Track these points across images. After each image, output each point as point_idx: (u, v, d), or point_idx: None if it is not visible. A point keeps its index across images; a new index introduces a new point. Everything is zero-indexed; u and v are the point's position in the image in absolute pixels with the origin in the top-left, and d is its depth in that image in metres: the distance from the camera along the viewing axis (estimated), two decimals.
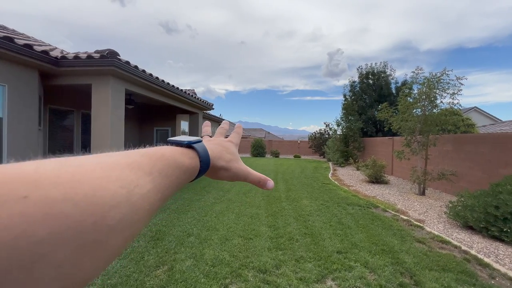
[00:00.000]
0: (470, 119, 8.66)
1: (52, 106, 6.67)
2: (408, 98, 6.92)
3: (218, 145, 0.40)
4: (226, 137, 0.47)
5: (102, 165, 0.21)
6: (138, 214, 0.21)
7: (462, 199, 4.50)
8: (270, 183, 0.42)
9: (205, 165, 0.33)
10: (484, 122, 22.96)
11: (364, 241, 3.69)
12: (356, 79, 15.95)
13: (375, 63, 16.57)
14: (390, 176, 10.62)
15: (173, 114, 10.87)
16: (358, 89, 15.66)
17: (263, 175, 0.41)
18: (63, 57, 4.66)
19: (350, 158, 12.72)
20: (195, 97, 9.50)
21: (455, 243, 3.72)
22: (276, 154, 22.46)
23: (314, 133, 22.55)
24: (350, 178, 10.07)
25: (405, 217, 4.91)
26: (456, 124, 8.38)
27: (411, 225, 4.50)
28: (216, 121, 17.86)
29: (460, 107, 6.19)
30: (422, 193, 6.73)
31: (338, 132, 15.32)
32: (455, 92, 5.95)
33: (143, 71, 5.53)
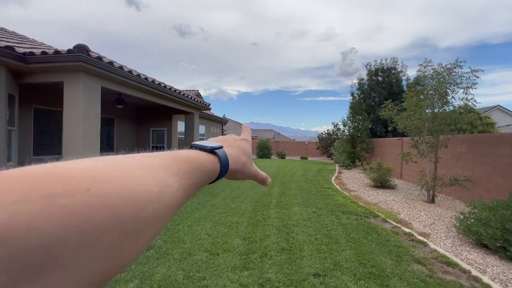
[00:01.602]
0: (489, 118, 7.74)
1: (37, 106, 6.52)
2: (421, 96, 6.16)
3: (235, 147, 0.42)
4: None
5: (140, 165, 0.24)
6: (167, 210, 0.23)
7: (475, 210, 3.80)
8: (268, 180, 0.48)
9: (225, 170, 0.36)
10: (508, 121, 21.24)
11: (351, 260, 3.12)
12: (365, 76, 15.06)
13: (385, 59, 15.64)
14: (399, 180, 9.79)
15: (169, 114, 10.60)
16: (366, 87, 14.76)
17: (265, 174, 0.47)
18: (31, 53, 4.40)
19: (357, 160, 11.92)
20: (189, 97, 9.16)
21: (464, 265, 3.06)
22: (282, 156, 21.84)
23: (321, 134, 21.75)
24: (354, 182, 9.35)
25: (407, 230, 4.25)
26: (472, 123, 7.50)
27: (412, 240, 3.85)
28: (219, 121, 17.54)
29: (474, 104, 5.40)
30: (431, 201, 5.97)
31: (345, 133, 14.52)
32: (469, 86, 5.18)
33: (120, 67, 5.20)
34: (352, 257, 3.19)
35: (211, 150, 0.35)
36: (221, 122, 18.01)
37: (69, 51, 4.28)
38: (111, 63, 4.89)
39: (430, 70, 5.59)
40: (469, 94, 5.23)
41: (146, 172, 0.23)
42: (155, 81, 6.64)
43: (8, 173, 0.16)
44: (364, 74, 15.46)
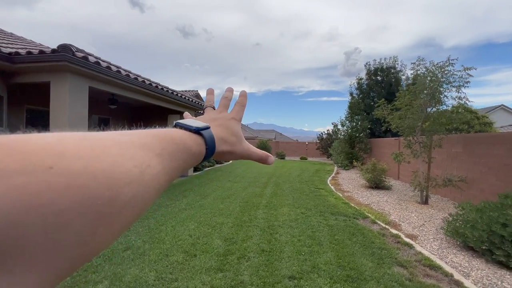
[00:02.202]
0: (487, 117, 7.57)
1: (29, 106, 6.56)
2: (413, 95, 6.01)
3: (224, 127, 0.40)
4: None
5: (118, 143, 0.21)
6: (149, 193, 0.22)
7: (463, 212, 3.69)
8: (271, 159, 0.45)
9: (211, 152, 0.34)
10: None
11: (331, 262, 3.04)
12: (364, 76, 14.91)
13: (385, 59, 15.48)
14: (396, 181, 9.65)
15: (165, 114, 10.60)
16: (365, 86, 14.60)
17: (264, 152, 0.45)
18: (17, 53, 4.42)
19: (354, 160, 11.79)
20: (184, 97, 9.15)
21: (447, 269, 2.97)
22: (282, 156, 21.73)
23: (321, 134, 21.61)
24: (350, 182, 9.23)
25: (394, 232, 4.16)
26: (469, 122, 7.35)
27: (398, 242, 3.75)
28: None
29: (467, 103, 5.27)
30: (425, 202, 5.85)
31: (342, 133, 14.37)
32: (461, 84, 5.05)
33: (108, 67, 5.19)
34: (332, 260, 3.12)
35: (197, 131, 0.33)
36: None
37: (53, 50, 4.28)
38: (97, 63, 4.88)
39: (423, 69, 5.47)
40: (461, 93, 5.11)
41: (124, 152, 0.21)
42: (146, 81, 6.63)
43: None
44: (364, 74, 15.33)
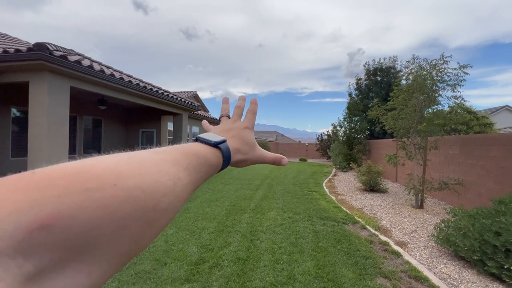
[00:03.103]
0: (487, 118, 7.28)
1: (15, 106, 6.47)
2: (415, 94, 5.71)
3: (238, 138, 0.44)
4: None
5: (155, 162, 0.26)
6: (179, 201, 0.27)
7: (455, 218, 3.45)
8: (284, 160, 0.49)
9: (227, 162, 0.39)
10: None
11: (309, 273, 2.84)
12: (363, 76, 14.62)
13: (384, 58, 15.20)
14: (394, 184, 9.38)
15: (158, 115, 10.49)
16: (364, 87, 14.32)
17: (278, 155, 0.48)
18: None
19: (351, 162, 11.52)
20: (176, 97, 9.02)
21: (435, 281, 2.74)
22: None
23: (321, 135, 21.34)
24: (346, 185, 8.98)
25: (383, 238, 3.93)
26: (468, 123, 7.08)
27: (386, 250, 3.53)
28: (215, 123, 17.29)
29: (463, 102, 5.01)
30: (420, 206, 5.60)
31: (340, 134, 14.11)
32: (457, 83, 4.81)
33: (90, 66, 5.06)
34: (311, 269, 2.91)
35: (215, 145, 0.37)
36: (217, 123, 17.82)
37: (29, 49, 4.17)
38: (78, 62, 4.75)
39: (416, 67, 5.23)
40: (457, 92, 4.86)
41: (160, 168, 0.26)
42: (132, 81, 6.50)
43: (49, 170, 0.19)
44: (363, 74, 15.05)
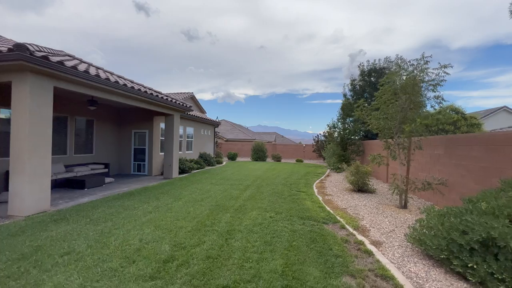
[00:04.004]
0: (475, 118, 7.26)
1: (2, 107, 6.52)
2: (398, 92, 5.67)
3: None
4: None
5: None
6: None
7: (428, 217, 3.45)
8: None
9: None
10: None
11: (275, 271, 2.84)
12: (357, 77, 14.62)
13: (379, 59, 15.20)
14: (385, 184, 9.35)
15: (151, 116, 10.53)
16: (358, 87, 14.33)
17: None
18: None
19: (344, 163, 11.51)
20: (166, 98, 9.06)
21: (401, 280, 2.74)
22: (277, 158, 21.51)
23: (317, 136, 21.34)
24: (336, 185, 8.97)
25: (360, 238, 3.93)
26: (456, 123, 7.07)
27: (359, 249, 3.53)
28: (211, 124, 17.42)
29: (442, 102, 5.01)
30: (404, 206, 5.59)
31: (335, 135, 14.10)
32: (437, 83, 4.81)
33: (73, 67, 5.10)
34: (278, 268, 2.92)
35: None
36: (213, 124, 17.90)
37: (9, 50, 4.21)
38: (61, 62, 4.80)
39: (395, 66, 5.22)
40: (437, 92, 4.86)
41: None
42: (119, 82, 6.54)
43: None
44: (360, 74, 15.04)
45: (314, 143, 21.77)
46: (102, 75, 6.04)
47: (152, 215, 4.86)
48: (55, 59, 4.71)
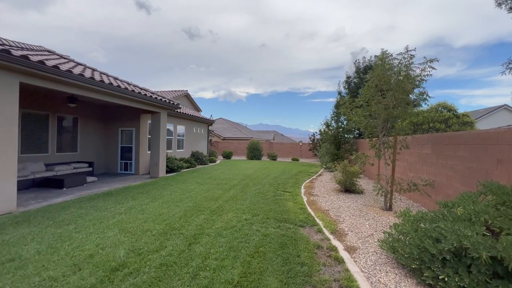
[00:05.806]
0: (468, 116, 6.97)
1: None
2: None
3: None
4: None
5: None
6: None
7: (403, 222, 3.20)
8: None
9: None
10: None
11: (231, 281, 2.60)
12: (352, 74, 14.30)
13: (375, 56, 14.85)
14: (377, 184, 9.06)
15: (138, 113, 10.31)
16: (353, 85, 14.01)
17: None
18: None
19: (337, 162, 11.24)
20: (151, 96, 8.82)
21: None
22: (273, 157, 21.26)
23: (313, 134, 21.05)
24: (325, 185, 8.71)
25: (334, 243, 3.68)
26: (447, 121, 6.78)
27: (330, 256, 3.28)
28: (204, 122, 17.19)
29: (427, 98, 4.73)
30: (388, 208, 5.33)
31: (329, 133, 13.82)
32: (423, 78, 4.54)
33: (41, 62, 4.87)
34: (235, 278, 2.68)
35: None
36: (207, 122, 17.66)
37: None
38: (25, 56, 4.56)
39: (376, 60, 4.94)
40: (422, 88, 4.58)
41: None
42: (95, 77, 6.30)
43: None
44: (356, 71, 14.72)
45: (310, 142, 21.49)
46: (75, 71, 5.80)
47: (121, 217, 4.64)
48: (17, 53, 4.48)
